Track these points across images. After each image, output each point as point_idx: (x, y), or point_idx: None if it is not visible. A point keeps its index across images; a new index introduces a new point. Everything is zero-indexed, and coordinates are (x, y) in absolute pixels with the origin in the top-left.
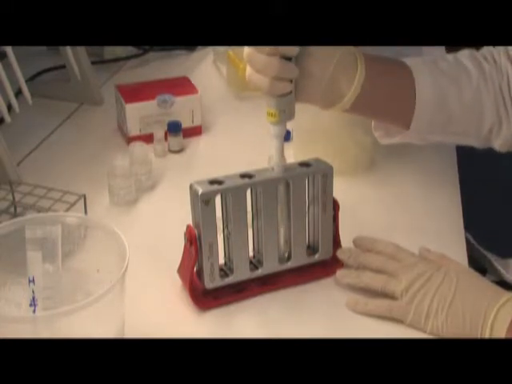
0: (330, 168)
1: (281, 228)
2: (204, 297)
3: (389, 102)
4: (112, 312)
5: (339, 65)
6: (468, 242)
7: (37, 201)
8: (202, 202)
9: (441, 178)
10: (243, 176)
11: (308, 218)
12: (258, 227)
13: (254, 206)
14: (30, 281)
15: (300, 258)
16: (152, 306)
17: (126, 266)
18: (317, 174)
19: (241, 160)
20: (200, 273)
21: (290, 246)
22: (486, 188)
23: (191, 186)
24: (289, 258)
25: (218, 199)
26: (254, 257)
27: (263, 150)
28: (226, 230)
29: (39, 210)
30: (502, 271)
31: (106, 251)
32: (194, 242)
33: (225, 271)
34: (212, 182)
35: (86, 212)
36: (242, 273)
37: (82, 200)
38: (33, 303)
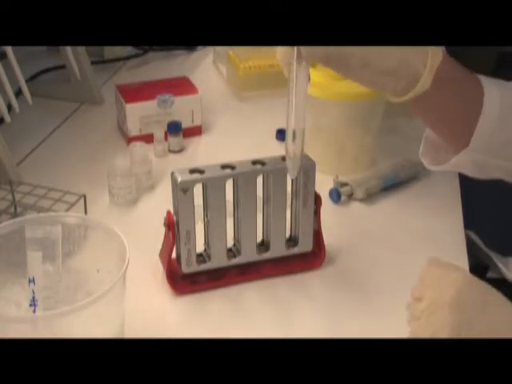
0: (312, 164)
1: (260, 219)
2: (182, 281)
3: (456, 104)
4: (112, 312)
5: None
6: (470, 240)
7: (37, 201)
8: (180, 191)
9: (441, 177)
10: (224, 167)
11: (290, 212)
12: (238, 217)
13: (236, 196)
14: (30, 281)
15: (279, 250)
16: (151, 306)
17: (126, 266)
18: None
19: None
20: (178, 258)
21: (268, 237)
22: (487, 186)
23: (172, 174)
24: (267, 248)
25: (200, 187)
26: (234, 245)
27: (263, 150)
28: (205, 218)
29: (39, 210)
30: (503, 269)
31: (106, 251)
32: (172, 227)
33: (203, 257)
34: (193, 170)
35: (86, 212)
36: (219, 260)
37: (82, 200)
38: (33, 303)
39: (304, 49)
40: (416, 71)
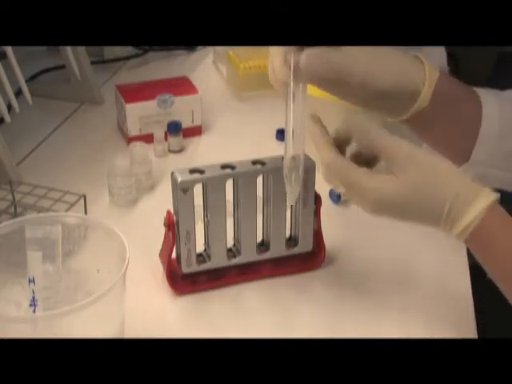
0: (313, 164)
1: (260, 219)
2: (182, 281)
3: (454, 119)
4: (112, 312)
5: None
6: None
7: (37, 201)
8: (180, 191)
9: None
10: (224, 167)
11: (290, 212)
12: (238, 217)
13: (236, 196)
14: (30, 281)
15: (279, 250)
16: (151, 306)
17: (126, 266)
18: None
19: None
20: (178, 258)
21: (268, 237)
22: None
23: (172, 174)
24: (267, 248)
25: (200, 187)
26: (234, 245)
27: (263, 150)
28: (205, 218)
29: (39, 210)
30: None
31: (106, 251)
32: (172, 227)
33: (203, 257)
34: (193, 170)
35: (86, 212)
36: (219, 260)
37: (82, 200)
38: (33, 303)
39: (303, 67)
40: (415, 88)
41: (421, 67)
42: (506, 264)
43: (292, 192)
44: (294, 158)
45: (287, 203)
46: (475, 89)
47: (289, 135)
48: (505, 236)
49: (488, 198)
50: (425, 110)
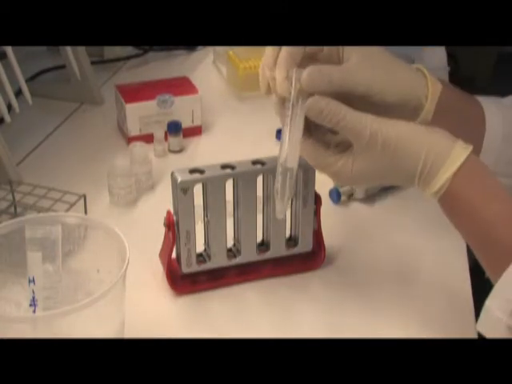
0: None
1: (260, 219)
2: (182, 281)
3: (458, 129)
4: (112, 312)
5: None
6: None
7: (37, 201)
8: (180, 191)
9: None
10: (224, 167)
11: (290, 212)
12: (238, 217)
13: (236, 196)
14: (30, 281)
15: (279, 250)
16: (151, 306)
17: (126, 266)
18: (299, 168)
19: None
20: (178, 258)
21: (268, 237)
22: None
23: (172, 174)
24: (267, 248)
25: (200, 187)
26: (234, 245)
27: (263, 150)
28: (205, 218)
29: (39, 210)
30: None
31: (106, 251)
32: (172, 227)
33: (203, 257)
34: (193, 170)
35: (86, 212)
36: (219, 260)
37: (82, 200)
38: (33, 303)
39: (305, 83)
40: (418, 103)
41: (423, 82)
42: (470, 225)
43: (282, 207)
44: (287, 169)
45: (276, 216)
46: (477, 97)
47: (283, 150)
48: (470, 197)
49: (459, 156)
50: (428, 122)
